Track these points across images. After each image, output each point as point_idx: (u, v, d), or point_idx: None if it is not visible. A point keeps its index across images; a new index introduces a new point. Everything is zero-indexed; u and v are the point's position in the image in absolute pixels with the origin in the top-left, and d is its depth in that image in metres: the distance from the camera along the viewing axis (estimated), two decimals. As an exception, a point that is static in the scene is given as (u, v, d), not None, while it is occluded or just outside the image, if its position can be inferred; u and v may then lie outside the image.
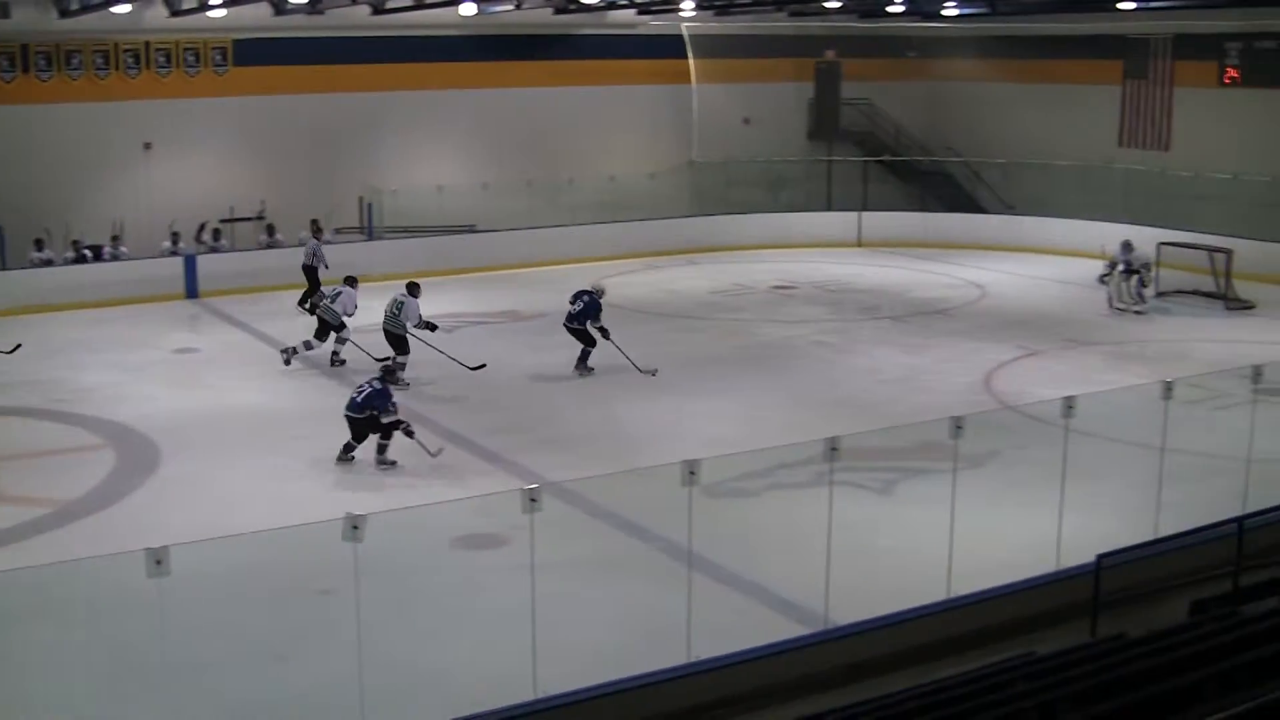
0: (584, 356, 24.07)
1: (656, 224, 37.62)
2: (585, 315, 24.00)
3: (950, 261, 35.64)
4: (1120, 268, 29.67)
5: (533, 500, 11.06)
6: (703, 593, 12.62)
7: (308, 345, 24.55)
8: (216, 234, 32.82)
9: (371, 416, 18.77)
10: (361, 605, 10.75)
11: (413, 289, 24.11)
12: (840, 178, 42.55)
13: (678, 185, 40.48)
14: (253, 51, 35.03)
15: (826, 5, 35.94)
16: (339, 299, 24.74)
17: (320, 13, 32.13)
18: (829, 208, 41.17)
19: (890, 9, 36.69)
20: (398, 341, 23.72)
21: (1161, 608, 13.12)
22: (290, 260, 31.60)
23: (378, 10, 32.29)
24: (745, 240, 37.77)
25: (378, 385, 19.00)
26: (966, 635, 12.77)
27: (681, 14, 38.22)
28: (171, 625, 12.61)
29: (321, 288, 28.19)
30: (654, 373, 23.80)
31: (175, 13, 31.97)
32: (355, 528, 10.46)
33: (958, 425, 13.32)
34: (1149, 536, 14.06)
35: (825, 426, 15.06)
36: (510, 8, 32.99)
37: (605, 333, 23.95)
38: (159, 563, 9.75)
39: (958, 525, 13.59)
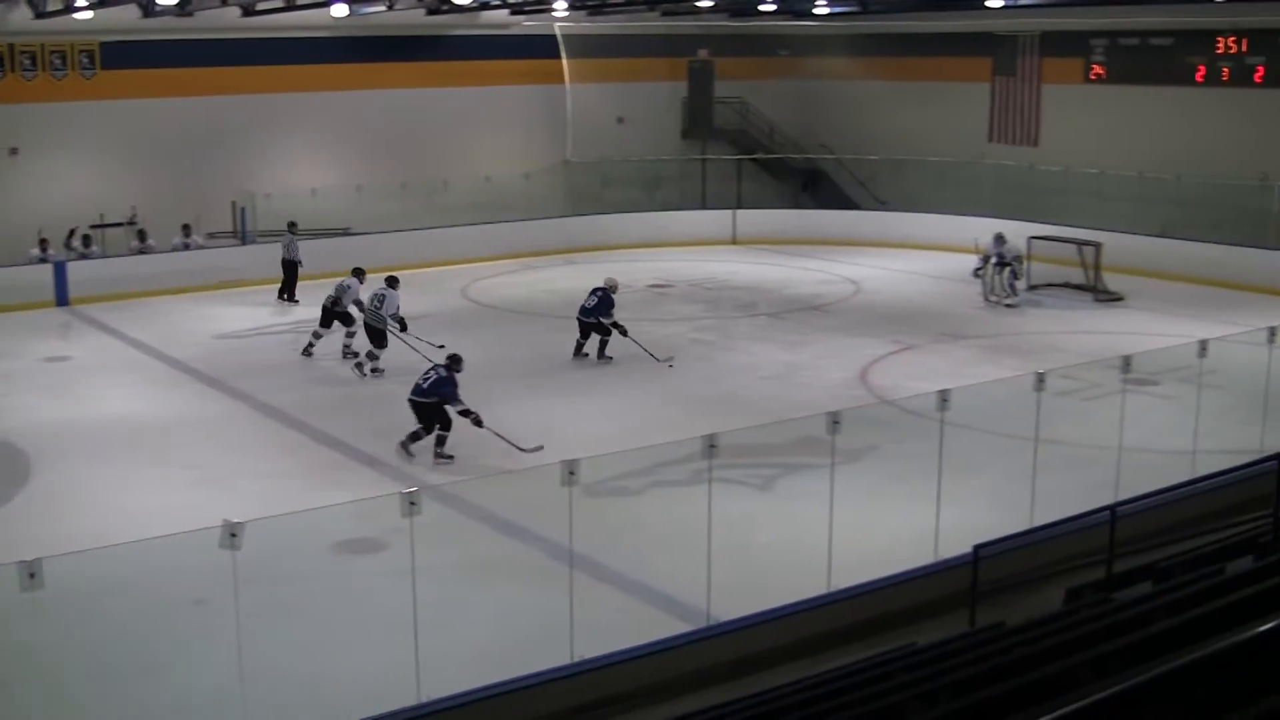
0: (602, 346, 25.05)
1: (533, 224, 37.59)
2: (599, 310, 24.79)
3: (825, 258, 35.92)
4: (993, 260, 30.05)
5: (412, 504, 11.02)
6: (585, 592, 12.64)
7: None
8: (87, 240, 32.23)
9: (438, 403, 19.10)
10: (241, 614, 10.64)
11: (392, 282, 24.64)
12: (715, 176, 42.78)
13: (553, 185, 40.48)
14: (121, 54, 34.48)
15: (699, 4, 36.13)
16: (348, 292, 25.38)
17: (189, 14, 31.67)
18: (704, 206, 41.37)
19: (762, 8, 36.96)
20: (376, 335, 24.11)
21: (1038, 596, 13.31)
22: (162, 266, 31.42)
23: (248, 12, 31.96)
24: (621, 239, 37.81)
25: (444, 372, 19.31)
26: (848, 628, 12.89)
27: (554, 14, 38.22)
28: (46, 638, 12.44)
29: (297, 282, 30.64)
30: (670, 361, 24.59)
31: (40, 14, 31.36)
32: (233, 535, 10.35)
33: (835, 420, 13.42)
34: (1024, 526, 14.26)
35: (704, 424, 15.13)
36: (382, 9, 32.84)
37: (621, 328, 24.92)
38: (33, 575, 9.59)
39: (837, 519, 13.70)
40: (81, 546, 12.72)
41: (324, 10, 31.40)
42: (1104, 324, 27.81)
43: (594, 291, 25.08)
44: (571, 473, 11.81)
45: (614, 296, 25.01)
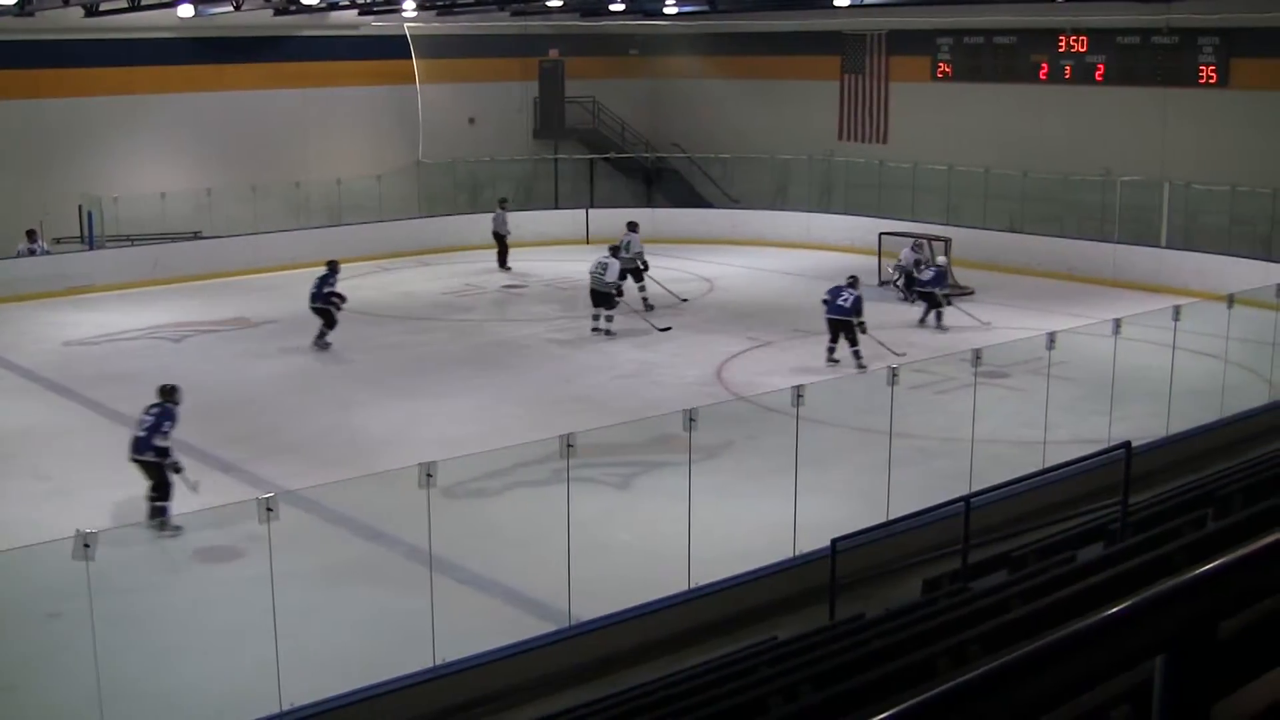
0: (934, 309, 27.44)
1: (386, 226, 37.34)
2: (935, 283, 27.16)
3: (678, 256, 36.00)
4: (904, 264, 30.38)
5: (269, 510, 10.93)
6: (446, 595, 12.60)
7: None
8: (-74, 247, 31.55)
9: (850, 321, 23.32)
10: (97, 626, 10.48)
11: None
12: (567, 176, 42.81)
13: (406, 186, 40.21)
14: (-42, 56, 33.72)
15: (549, 4, 36.08)
16: (630, 245, 28.87)
17: (30, 14, 31.01)
18: (556, 206, 41.36)
19: (612, 7, 37.00)
20: (604, 299, 26.96)
21: (896, 587, 13.50)
22: (8, 272, 30.80)
23: (91, 12, 31.37)
24: (475, 240, 37.62)
25: (858, 291, 23.43)
26: (709, 624, 12.98)
27: (404, 14, 37.97)
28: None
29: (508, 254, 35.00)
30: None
31: (-126, 16, 30.60)
32: (87, 546, 10.19)
33: (691, 418, 13.50)
34: (881, 519, 14.44)
35: (561, 423, 15.16)
36: (229, 9, 32.38)
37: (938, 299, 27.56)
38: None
39: (695, 516, 13.77)
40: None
41: (170, 11, 30.89)
42: (954, 318, 28.17)
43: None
44: (429, 475, 11.78)
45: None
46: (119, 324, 27.89)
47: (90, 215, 34.20)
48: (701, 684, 9.51)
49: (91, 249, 33.65)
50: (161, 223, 34.71)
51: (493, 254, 35.23)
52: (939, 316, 27.09)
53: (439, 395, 22.70)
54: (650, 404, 21.06)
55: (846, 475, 17.36)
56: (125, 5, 31.15)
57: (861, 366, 23.14)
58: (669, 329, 27.02)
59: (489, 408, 21.94)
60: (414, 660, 11.73)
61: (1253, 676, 3.22)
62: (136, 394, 22.53)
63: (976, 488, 14.51)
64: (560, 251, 37.22)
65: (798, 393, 14.47)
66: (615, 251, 27.64)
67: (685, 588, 13.30)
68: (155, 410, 16.71)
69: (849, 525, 13.73)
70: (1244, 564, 3.07)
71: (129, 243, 34.21)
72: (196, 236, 35.27)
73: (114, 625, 11.68)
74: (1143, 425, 18.12)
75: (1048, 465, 15.90)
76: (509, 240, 35.18)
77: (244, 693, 11.46)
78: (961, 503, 13.43)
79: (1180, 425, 18.52)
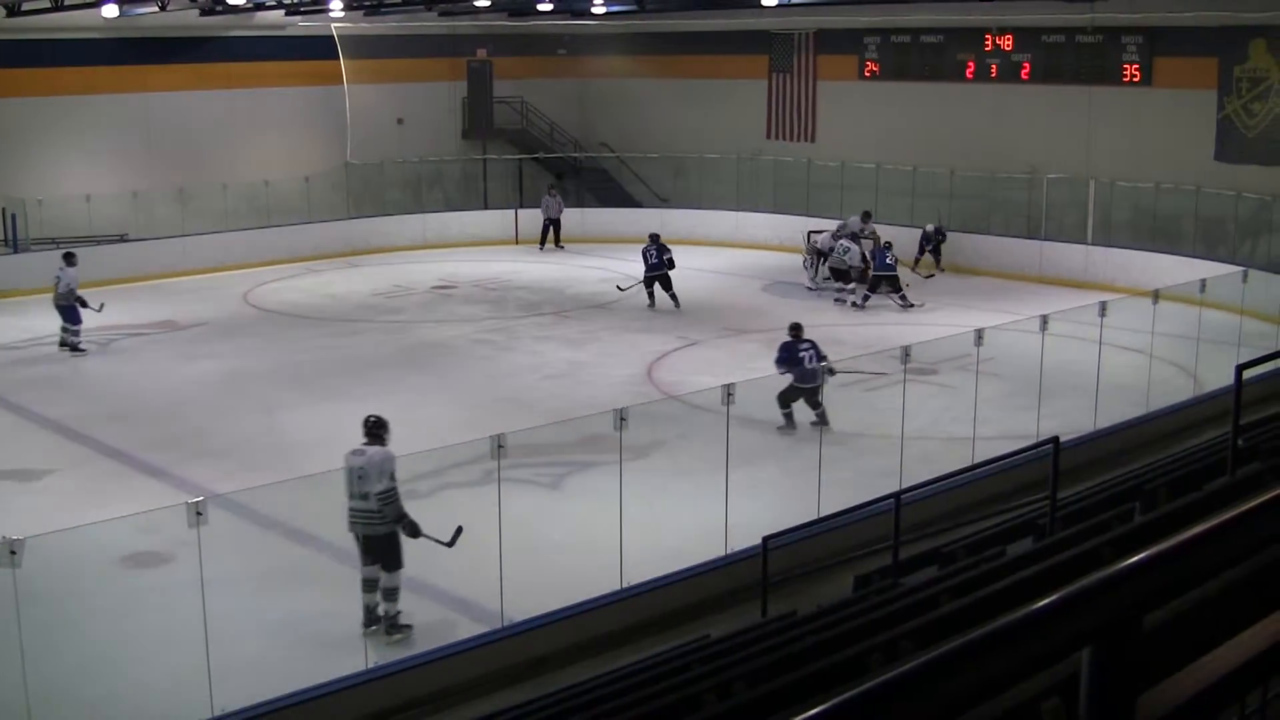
0: None
1: (314, 227, 37.16)
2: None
3: (607, 255, 36.04)
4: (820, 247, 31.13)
5: (198, 514, 10.85)
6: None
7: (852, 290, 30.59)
8: None
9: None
10: (24, 634, 10.38)
11: (866, 216, 32.57)
12: (496, 176, 42.76)
13: (334, 188, 39.99)
14: (-125, 58, 33.26)
15: (477, 4, 35.97)
16: (846, 228, 31.99)
17: (-50, 16, 30.69)
18: (485, 206, 41.30)
19: (540, 7, 36.92)
20: (840, 275, 30.23)
21: (828, 584, 13.54)
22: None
23: (14, 12, 31.01)
24: (403, 241, 37.63)
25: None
26: (642, 624, 12.98)
27: (330, 14, 37.73)
28: None
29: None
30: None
31: None
32: (13, 552, 10.09)
33: (622, 417, 13.50)
34: (812, 516, 14.49)
35: (492, 424, 15.14)
36: (155, 9, 32.10)
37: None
38: None
39: (627, 516, 13.78)
40: None
41: (94, 11, 30.61)
42: (884, 315, 28.35)
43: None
44: (360, 477, 11.74)
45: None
46: (44, 328, 27.61)
47: (14, 218, 33.77)
48: (635, 683, 9.52)
49: (15, 252, 33.26)
50: (87, 225, 34.37)
51: (424, 254, 35.07)
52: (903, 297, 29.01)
53: (368, 397, 22.53)
54: (580, 404, 21.06)
55: (778, 473, 17.42)
56: (48, 5, 30.81)
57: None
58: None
59: (418, 409, 21.85)
60: (346, 663, 11.69)
61: (1177, 668, 3.26)
62: (62, 399, 22.54)
63: (907, 484, 14.59)
64: (489, 252, 37.21)
65: (728, 391, 14.50)
66: (866, 217, 32.48)
67: (618, 587, 13.30)
68: (808, 343, 20.23)
69: (780, 523, 13.77)
70: (1169, 557, 3.11)
71: (54, 245, 33.79)
72: (123, 239, 34.94)
73: (42, 632, 11.56)
74: (1070, 421, 18.26)
75: (977, 461, 16.00)
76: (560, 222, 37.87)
77: (175, 698, 11.39)
78: (892, 499, 13.50)
79: (1107, 420, 18.69)
